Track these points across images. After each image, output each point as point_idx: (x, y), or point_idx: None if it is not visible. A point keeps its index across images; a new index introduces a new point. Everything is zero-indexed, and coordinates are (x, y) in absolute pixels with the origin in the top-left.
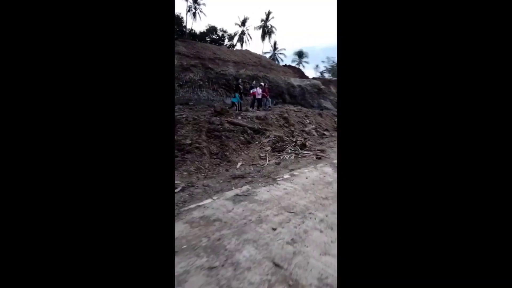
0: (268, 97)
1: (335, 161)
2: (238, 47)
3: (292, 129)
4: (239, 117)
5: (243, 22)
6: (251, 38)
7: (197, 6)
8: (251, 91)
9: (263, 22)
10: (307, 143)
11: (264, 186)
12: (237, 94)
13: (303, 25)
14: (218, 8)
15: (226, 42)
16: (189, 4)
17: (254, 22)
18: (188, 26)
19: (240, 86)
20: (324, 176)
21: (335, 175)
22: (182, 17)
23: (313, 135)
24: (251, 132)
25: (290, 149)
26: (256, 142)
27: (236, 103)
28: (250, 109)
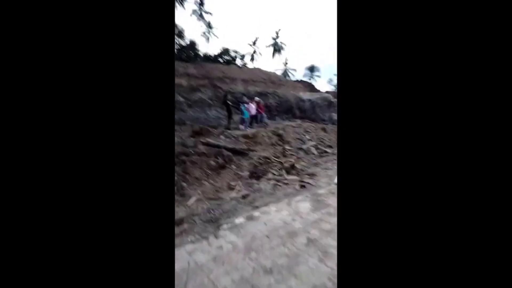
0: (263, 113)
1: (322, 191)
2: (250, 65)
3: (287, 147)
4: (222, 137)
5: (254, 42)
6: (261, 55)
7: (210, 30)
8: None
9: (273, 40)
10: (296, 165)
11: (194, 242)
12: (244, 110)
13: (317, 40)
14: (231, 30)
15: (238, 61)
16: (203, 30)
17: (266, 40)
18: (203, 50)
19: (228, 101)
20: (293, 220)
21: (310, 217)
22: (195, 42)
23: (312, 153)
24: (229, 154)
25: (273, 174)
26: (233, 167)
27: (245, 119)
28: (241, 126)
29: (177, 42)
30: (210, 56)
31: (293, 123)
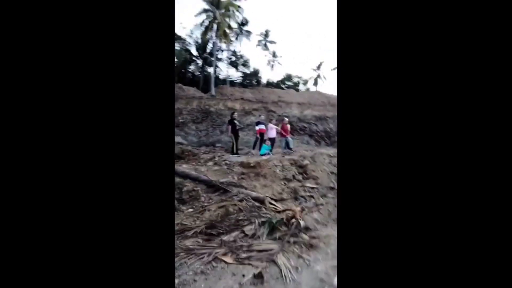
0: (288, 136)
1: None
2: (313, 89)
3: (308, 185)
4: (209, 163)
5: (319, 66)
6: (325, 79)
7: (275, 59)
8: (257, 128)
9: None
10: (299, 218)
11: None
12: (265, 145)
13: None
14: (296, 56)
15: (301, 87)
16: (268, 59)
17: (331, 64)
18: (267, 77)
19: (235, 121)
20: None
21: None
22: (258, 69)
23: None
24: (194, 189)
25: (243, 233)
26: (190, 210)
27: (267, 153)
28: (253, 151)
29: (242, 71)
30: (272, 82)
31: (330, 152)
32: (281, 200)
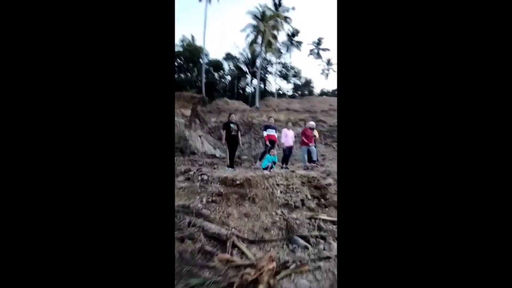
0: (311, 144)
1: None
2: None
3: (325, 217)
4: (180, 178)
5: None
6: None
7: (329, 67)
8: (265, 134)
9: None
10: (266, 283)
11: None
12: (269, 156)
13: None
14: None
15: None
16: (322, 67)
17: None
18: (322, 86)
19: (231, 125)
20: None
21: None
22: (310, 79)
23: None
24: None
25: None
26: None
27: (269, 165)
28: (258, 163)
29: (293, 82)
30: (327, 92)
31: None
32: (260, 241)
